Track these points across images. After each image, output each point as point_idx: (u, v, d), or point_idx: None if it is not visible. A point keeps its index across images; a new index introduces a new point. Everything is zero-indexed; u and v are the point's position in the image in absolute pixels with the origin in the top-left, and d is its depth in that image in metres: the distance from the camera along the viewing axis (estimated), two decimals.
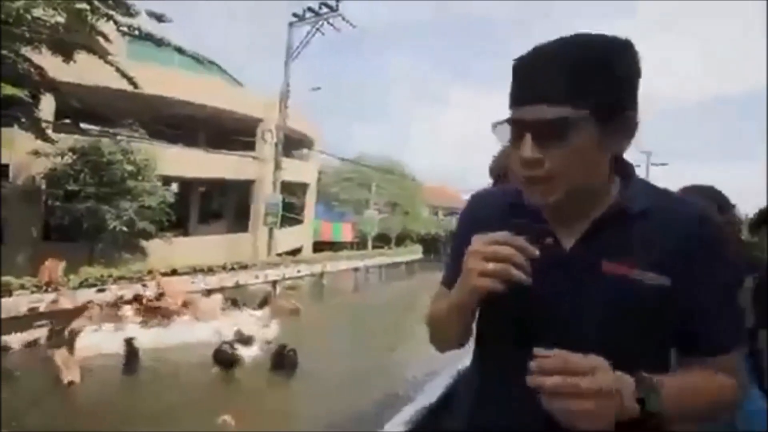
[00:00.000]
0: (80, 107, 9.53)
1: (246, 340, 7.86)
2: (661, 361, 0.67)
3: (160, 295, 8.77)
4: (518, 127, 0.62)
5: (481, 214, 0.80)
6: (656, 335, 0.63)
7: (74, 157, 9.77)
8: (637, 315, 0.61)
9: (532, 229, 0.66)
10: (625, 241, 0.64)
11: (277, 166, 15.33)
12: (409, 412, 1.34)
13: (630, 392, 0.55)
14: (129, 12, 8.10)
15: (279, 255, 15.05)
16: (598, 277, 0.61)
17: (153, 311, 8.32)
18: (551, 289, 0.64)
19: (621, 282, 0.62)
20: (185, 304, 8.76)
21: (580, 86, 0.59)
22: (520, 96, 0.63)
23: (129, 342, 6.95)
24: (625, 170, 0.71)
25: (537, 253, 0.58)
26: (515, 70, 0.65)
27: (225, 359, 6.97)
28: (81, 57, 8.11)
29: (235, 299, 10.46)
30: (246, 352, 7.47)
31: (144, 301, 8.58)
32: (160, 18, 8.67)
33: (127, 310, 8.30)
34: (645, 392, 0.56)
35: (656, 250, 0.63)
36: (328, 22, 15.59)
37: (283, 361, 7.00)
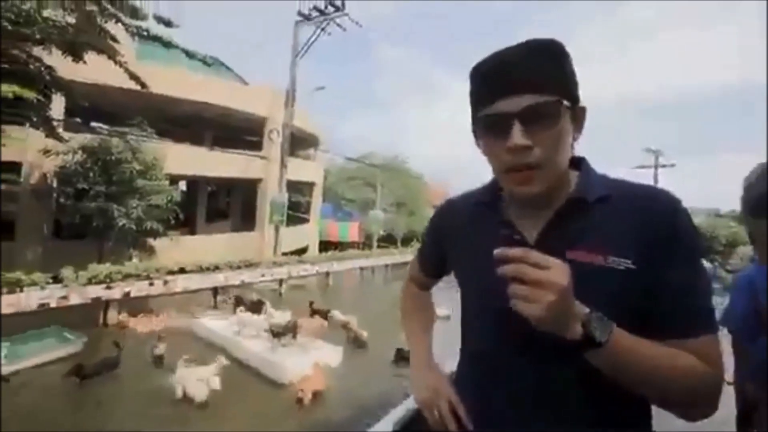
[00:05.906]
0: (90, 106, 9.69)
1: None
2: None
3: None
4: (502, 119, 0.63)
5: (446, 218, 0.89)
6: (623, 318, 0.61)
7: (84, 155, 9.93)
8: (603, 299, 0.61)
9: (496, 230, 0.69)
10: (586, 229, 0.66)
11: (284, 165, 15.42)
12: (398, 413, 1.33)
13: (580, 312, 0.58)
14: (137, 15, 8.24)
15: (285, 254, 15.14)
16: None
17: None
18: None
19: (585, 268, 0.63)
20: None
21: (557, 77, 0.64)
22: (497, 91, 0.64)
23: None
24: (577, 163, 0.73)
25: None
26: (481, 73, 0.68)
27: None
28: (90, 57, 8.24)
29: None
30: None
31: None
32: (168, 23, 8.85)
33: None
34: (594, 319, 0.57)
35: (617, 234, 0.65)
36: (335, 22, 15.63)
37: None
